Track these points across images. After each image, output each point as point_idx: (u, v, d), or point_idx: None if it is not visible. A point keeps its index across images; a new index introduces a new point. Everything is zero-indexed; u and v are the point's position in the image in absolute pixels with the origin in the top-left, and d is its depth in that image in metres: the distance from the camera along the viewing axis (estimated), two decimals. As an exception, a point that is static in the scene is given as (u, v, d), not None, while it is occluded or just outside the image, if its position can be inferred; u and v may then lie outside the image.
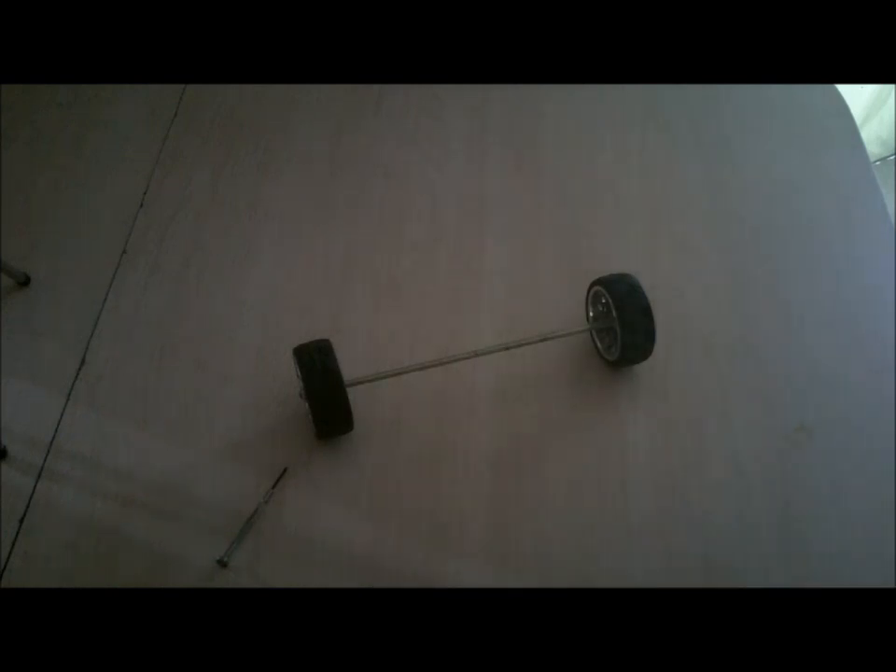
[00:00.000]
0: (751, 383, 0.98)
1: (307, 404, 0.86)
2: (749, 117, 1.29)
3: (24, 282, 1.05)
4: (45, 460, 0.90)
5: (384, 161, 1.20)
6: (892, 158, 2.19)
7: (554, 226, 1.13)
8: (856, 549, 0.86)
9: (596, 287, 0.96)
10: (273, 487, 0.87)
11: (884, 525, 0.86)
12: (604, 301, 0.94)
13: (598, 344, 0.98)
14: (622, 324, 0.90)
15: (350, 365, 0.86)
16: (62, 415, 0.93)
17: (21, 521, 0.85)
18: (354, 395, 0.86)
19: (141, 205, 1.14)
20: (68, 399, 0.95)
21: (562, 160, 1.21)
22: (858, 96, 2.08)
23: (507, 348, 0.92)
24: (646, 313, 0.90)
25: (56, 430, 0.92)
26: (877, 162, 2.21)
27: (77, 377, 0.97)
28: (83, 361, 0.98)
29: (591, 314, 0.99)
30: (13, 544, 0.84)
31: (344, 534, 0.85)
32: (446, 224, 1.13)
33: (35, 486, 0.88)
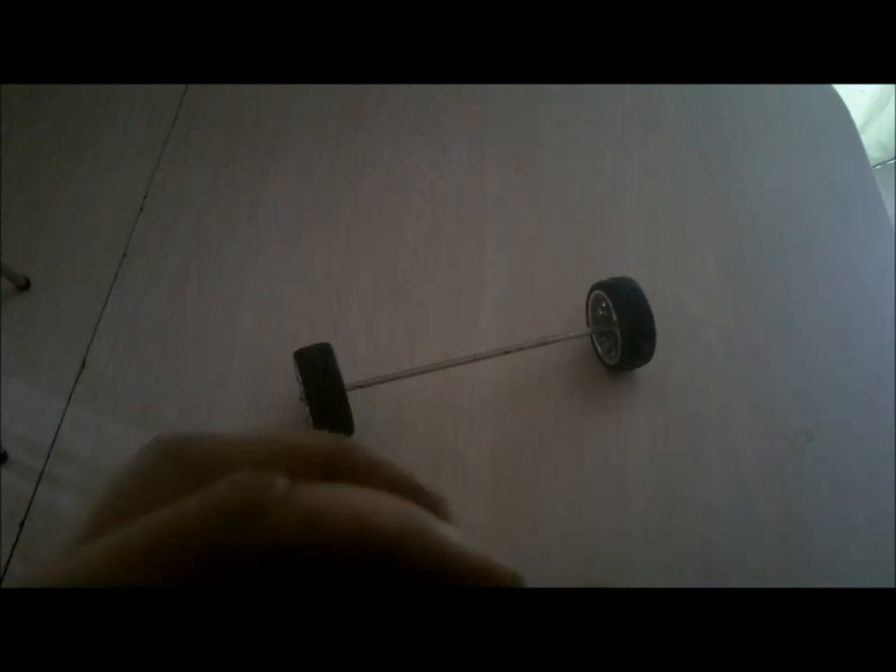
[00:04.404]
0: (752, 387, 0.98)
1: (308, 408, 0.86)
2: (749, 121, 1.29)
3: (25, 286, 1.05)
4: (45, 464, 0.90)
5: (384, 163, 1.21)
6: (892, 162, 2.20)
7: (554, 229, 1.13)
8: (856, 551, 0.85)
9: (597, 291, 0.96)
10: (273, 491, 0.87)
11: (884, 526, 0.86)
12: (604, 304, 0.94)
13: (598, 348, 0.98)
14: (622, 328, 0.90)
15: (351, 369, 0.86)
16: (62, 419, 0.93)
17: (22, 525, 0.85)
18: (354, 399, 0.86)
19: (141, 209, 1.14)
20: (69, 403, 0.95)
21: (562, 161, 1.21)
22: (857, 100, 2.09)
23: (507, 352, 0.92)
24: (647, 316, 0.90)
25: (56, 434, 0.92)
26: (878, 167, 2.22)
27: (77, 381, 0.97)
28: (83, 365, 0.98)
29: (591, 317, 0.99)
30: (13, 548, 0.84)
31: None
32: (446, 227, 1.13)
33: (35, 490, 0.88)
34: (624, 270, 0.97)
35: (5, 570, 0.82)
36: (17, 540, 0.84)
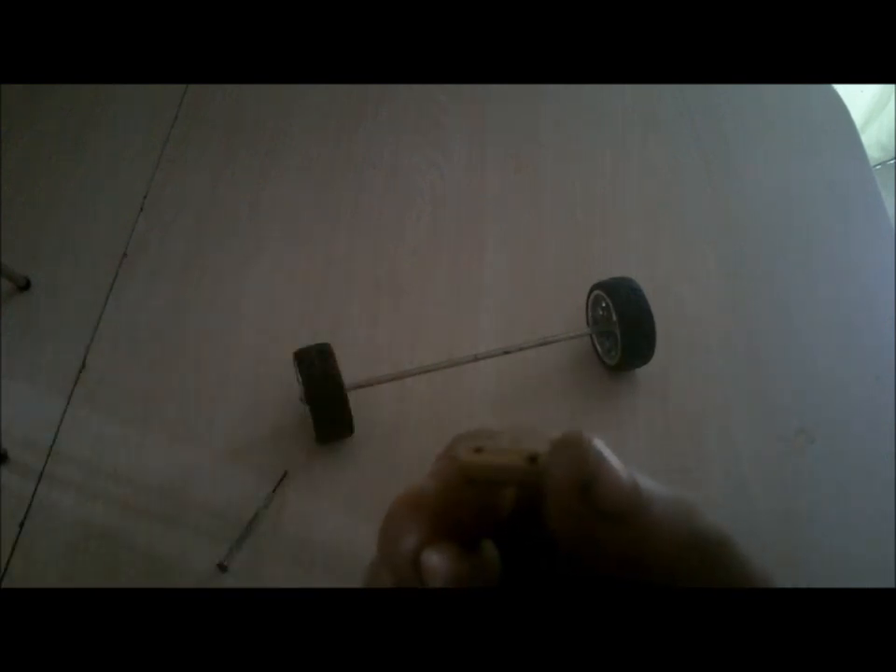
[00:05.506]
0: (752, 387, 0.98)
1: (307, 408, 0.86)
2: (749, 121, 1.29)
3: (25, 286, 1.05)
4: (45, 464, 0.90)
5: (384, 163, 1.21)
6: (892, 162, 2.20)
7: (554, 229, 1.13)
8: (856, 551, 0.85)
9: (597, 291, 0.96)
10: (274, 491, 0.87)
11: (884, 526, 0.86)
12: (604, 304, 0.94)
13: (598, 348, 0.98)
14: (622, 328, 0.90)
15: (350, 369, 0.86)
16: (62, 419, 0.93)
17: (22, 525, 0.85)
18: (354, 399, 0.86)
19: (141, 209, 1.14)
20: (68, 403, 0.95)
21: (562, 161, 1.21)
22: (857, 100, 2.09)
23: (507, 352, 0.92)
24: (646, 317, 0.90)
25: (56, 434, 0.92)
26: (878, 167, 2.22)
27: (77, 381, 0.97)
28: (83, 365, 0.98)
29: (591, 317, 0.99)
30: (13, 548, 0.84)
31: (345, 537, 0.85)
32: (446, 227, 1.13)
33: (35, 490, 0.88)
34: (624, 270, 0.97)
35: (5, 570, 0.82)
36: (17, 540, 0.84)
